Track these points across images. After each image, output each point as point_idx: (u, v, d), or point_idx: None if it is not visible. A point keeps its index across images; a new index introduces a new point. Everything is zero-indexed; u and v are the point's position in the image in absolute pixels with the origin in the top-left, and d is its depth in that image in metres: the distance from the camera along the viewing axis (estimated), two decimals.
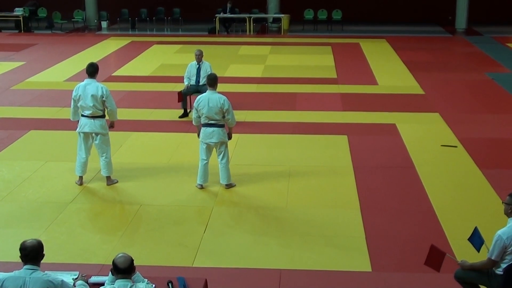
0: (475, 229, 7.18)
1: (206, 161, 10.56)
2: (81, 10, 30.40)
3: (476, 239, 7.11)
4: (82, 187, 10.72)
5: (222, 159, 10.57)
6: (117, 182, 10.88)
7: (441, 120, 14.38)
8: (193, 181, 10.73)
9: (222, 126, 10.42)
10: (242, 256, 8.52)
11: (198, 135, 10.59)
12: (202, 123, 10.42)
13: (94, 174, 11.07)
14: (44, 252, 5.89)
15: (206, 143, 10.45)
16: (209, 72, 13.77)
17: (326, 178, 11.14)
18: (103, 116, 10.60)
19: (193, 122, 10.69)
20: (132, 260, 5.82)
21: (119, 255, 5.83)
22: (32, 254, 5.78)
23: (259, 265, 8.26)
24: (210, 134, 10.37)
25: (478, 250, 7.15)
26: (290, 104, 15.82)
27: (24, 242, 5.83)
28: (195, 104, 10.40)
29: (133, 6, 30.39)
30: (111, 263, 5.84)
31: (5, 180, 11.04)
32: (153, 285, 6.02)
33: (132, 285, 5.73)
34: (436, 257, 7.01)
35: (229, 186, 10.67)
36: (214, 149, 10.57)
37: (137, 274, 6.07)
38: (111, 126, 10.85)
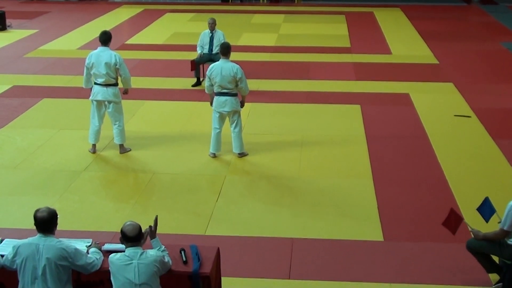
0: (485, 199, 7.18)
1: (218, 130, 10.56)
2: None
3: (486, 209, 7.12)
4: (95, 155, 10.76)
5: (235, 128, 10.57)
6: (130, 150, 10.92)
7: (455, 90, 14.30)
8: (205, 150, 10.75)
9: (235, 95, 10.40)
10: (254, 224, 8.57)
11: (211, 104, 10.58)
12: (215, 91, 10.41)
13: (107, 142, 11.10)
14: (57, 221, 5.91)
15: (219, 112, 10.45)
16: (222, 41, 13.74)
17: (339, 147, 11.13)
18: (116, 84, 10.61)
19: (205, 91, 10.68)
20: (140, 228, 5.85)
21: (127, 223, 5.85)
22: (42, 225, 5.81)
23: (272, 234, 8.30)
24: (223, 103, 10.36)
25: (487, 221, 7.17)
26: (303, 73, 15.76)
27: (36, 211, 5.85)
28: (208, 73, 10.38)
29: None
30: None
31: (18, 148, 11.10)
32: (167, 252, 6.05)
33: (143, 252, 5.77)
34: (454, 220, 7.11)
35: (242, 155, 10.69)
36: (227, 118, 10.57)
37: (156, 239, 6.10)
38: (125, 92, 10.87)
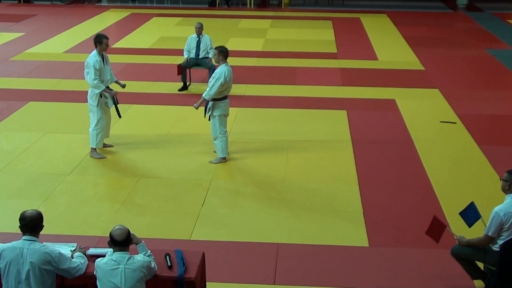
0: (470, 204, 7.18)
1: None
2: None
3: (471, 214, 7.13)
4: (81, 159, 10.70)
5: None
6: (104, 158, 10.72)
7: (440, 96, 14.36)
8: (191, 154, 10.75)
9: None
10: (239, 229, 8.56)
11: (208, 111, 10.44)
12: (223, 96, 10.37)
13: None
14: (43, 224, 5.93)
15: (227, 115, 10.60)
16: (209, 45, 13.78)
17: (325, 152, 11.15)
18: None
19: (209, 97, 10.28)
20: (129, 232, 5.84)
21: (116, 227, 5.85)
22: (31, 224, 5.81)
23: (257, 239, 8.29)
24: (228, 105, 10.52)
25: (470, 226, 7.18)
26: (290, 78, 15.78)
27: (24, 212, 5.87)
28: (227, 78, 10.24)
29: None
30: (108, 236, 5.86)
31: (4, 151, 11.04)
32: (153, 257, 6.04)
33: (130, 257, 5.75)
34: (437, 228, 7.11)
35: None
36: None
37: (142, 244, 6.08)
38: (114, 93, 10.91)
